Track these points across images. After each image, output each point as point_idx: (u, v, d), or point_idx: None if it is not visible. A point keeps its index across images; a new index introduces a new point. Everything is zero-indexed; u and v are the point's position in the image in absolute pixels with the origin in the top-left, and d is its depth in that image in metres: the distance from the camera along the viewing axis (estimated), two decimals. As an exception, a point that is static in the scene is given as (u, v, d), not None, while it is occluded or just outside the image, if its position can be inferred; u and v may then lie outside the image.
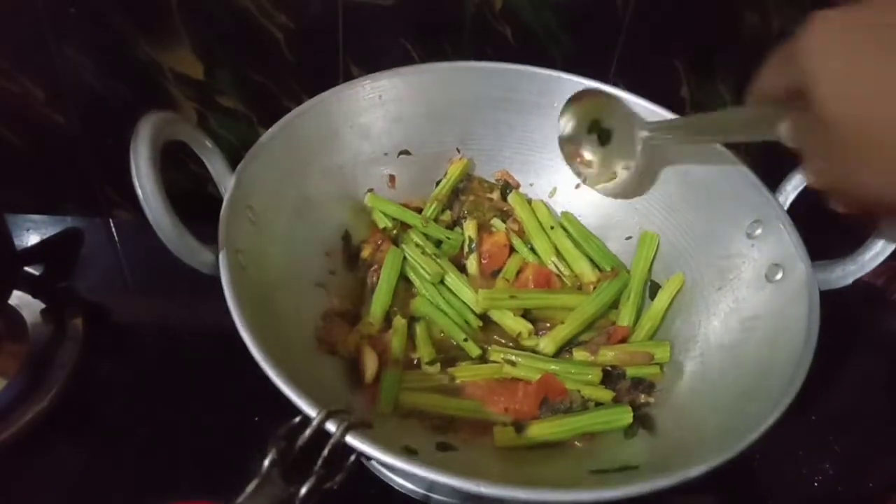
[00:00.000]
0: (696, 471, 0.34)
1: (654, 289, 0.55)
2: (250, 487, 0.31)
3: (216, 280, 0.40)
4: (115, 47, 0.60)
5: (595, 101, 0.55)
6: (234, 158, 0.47)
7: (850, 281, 0.46)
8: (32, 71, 0.61)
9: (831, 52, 0.30)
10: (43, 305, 0.58)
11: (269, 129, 0.49)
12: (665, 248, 0.56)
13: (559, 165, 0.60)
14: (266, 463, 0.32)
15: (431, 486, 0.49)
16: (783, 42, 0.34)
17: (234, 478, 0.49)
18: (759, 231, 0.49)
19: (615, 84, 0.64)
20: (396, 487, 0.50)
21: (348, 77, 0.63)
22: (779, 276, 0.46)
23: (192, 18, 0.58)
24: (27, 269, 0.62)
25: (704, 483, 0.51)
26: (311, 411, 0.33)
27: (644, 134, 0.52)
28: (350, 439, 0.32)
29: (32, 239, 0.67)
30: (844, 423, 0.58)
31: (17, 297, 0.58)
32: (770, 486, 0.54)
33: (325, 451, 0.32)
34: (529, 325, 0.52)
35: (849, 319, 0.68)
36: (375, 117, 0.56)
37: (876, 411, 0.61)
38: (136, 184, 0.38)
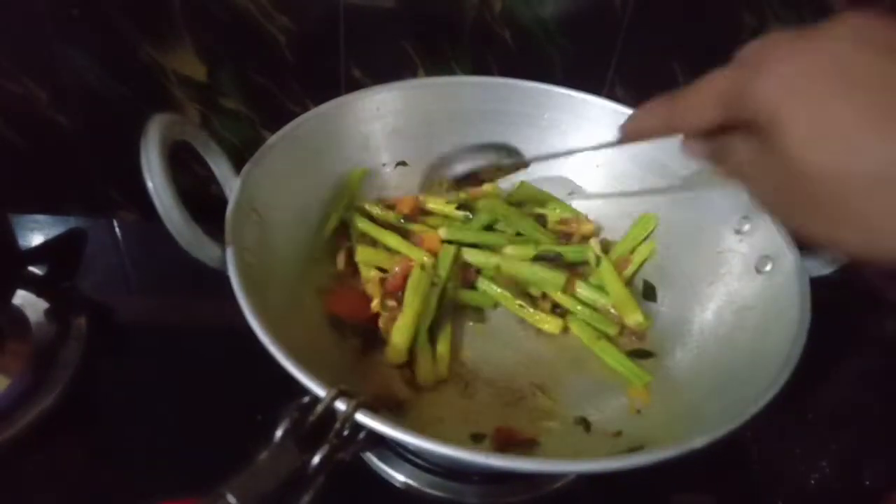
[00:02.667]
0: (700, 441, 0.34)
1: (648, 289, 0.56)
2: (264, 454, 0.32)
3: (219, 280, 0.40)
4: (118, 49, 0.60)
5: None
6: (236, 160, 0.47)
7: (837, 266, 0.47)
8: (36, 73, 0.61)
9: (798, 96, 0.27)
10: (47, 305, 0.58)
11: (272, 137, 0.50)
12: (657, 250, 0.57)
13: (552, 174, 0.62)
14: (279, 432, 0.32)
15: (433, 482, 0.50)
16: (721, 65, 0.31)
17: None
18: (746, 226, 0.51)
19: (613, 85, 0.65)
20: (397, 485, 0.50)
21: (349, 79, 0.63)
22: (768, 267, 0.48)
23: (195, 20, 0.59)
24: (31, 268, 0.62)
25: (702, 482, 0.53)
26: (320, 391, 0.34)
27: None
28: (360, 417, 0.33)
29: (36, 239, 0.67)
30: (841, 421, 0.59)
31: (21, 297, 0.58)
32: (767, 484, 0.54)
33: (338, 425, 0.33)
34: None
35: (845, 318, 0.68)
36: (374, 129, 0.58)
37: (872, 410, 0.61)
38: (147, 176, 0.38)
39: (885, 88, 0.25)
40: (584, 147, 0.48)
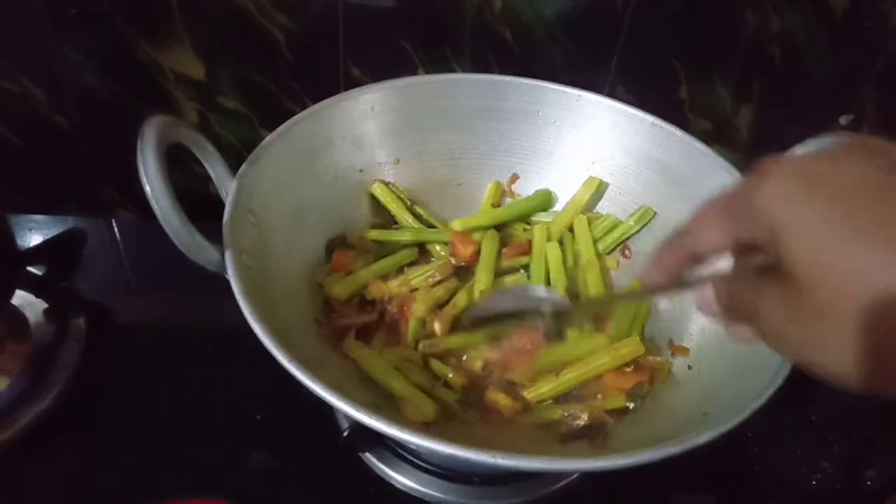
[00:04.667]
0: (703, 437, 0.34)
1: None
2: None
3: (217, 281, 0.40)
4: (116, 48, 0.60)
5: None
6: (235, 158, 0.47)
7: None
8: (34, 72, 0.61)
9: (801, 205, 0.25)
10: (45, 305, 0.58)
11: (267, 137, 0.50)
12: (656, 246, 0.56)
13: (547, 172, 0.61)
14: None
15: (434, 483, 0.50)
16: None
17: (234, 478, 0.50)
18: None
19: (614, 84, 0.65)
20: (397, 486, 0.50)
21: (348, 78, 0.63)
22: None
23: (193, 19, 0.59)
24: (29, 269, 0.62)
25: (703, 482, 0.53)
26: (322, 392, 0.34)
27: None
28: (367, 419, 0.33)
29: (35, 239, 0.67)
30: (843, 422, 0.59)
31: (20, 297, 0.58)
32: (769, 484, 0.54)
33: None
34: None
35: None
36: (369, 128, 0.57)
37: (874, 411, 0.61)
38: (144, 181, 0.38)
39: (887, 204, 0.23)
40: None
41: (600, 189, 0.60)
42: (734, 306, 0.31)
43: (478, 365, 0.51)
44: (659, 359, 0.51)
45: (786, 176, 0.26)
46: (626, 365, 0.50)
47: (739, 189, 0.28)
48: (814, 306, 0.25)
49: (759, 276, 0.28)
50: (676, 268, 0.33)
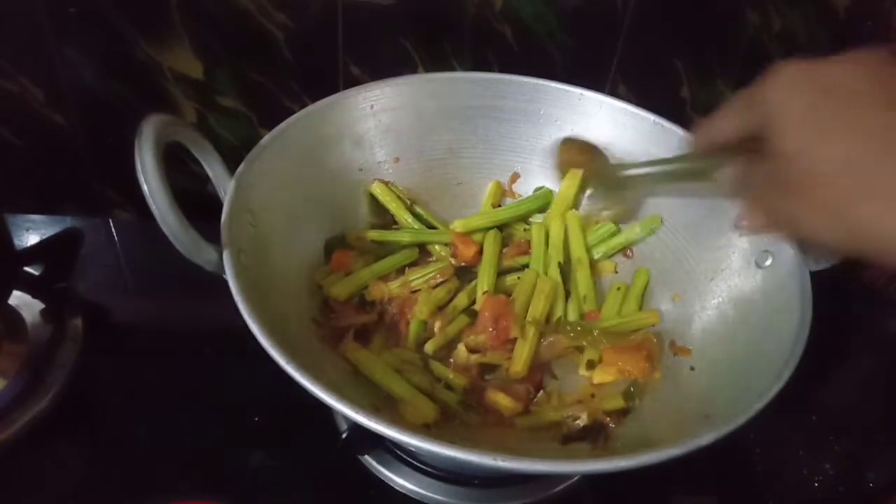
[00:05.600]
0: (706, 438, 0.34)
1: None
2: None
3: (216, 281, 0.40)
4: (115, 47, 0.60)
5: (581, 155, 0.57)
6: (234, 158, 0.47)
7: (837, 260, 0.47)
8: (32, 71, 0.61)
9: (795, 94, 0.32)
10: (42, 306, 0.58)
11: (266, 136, 0.50)
12: (657, 247, 0.57)
13: (548, 171, 0.61)
14: None
15: (433, 486, 0.50)
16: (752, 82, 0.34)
17: (233, 478, 0.49)
18: (745, 221, 0.50)
19: (615, 83, 0.64)
20: (396, 488, 0.50)
21: (348, 77, 0.63)
22: (768, 261, 0.48)
23: (192, 18, 0.58)
24: (27, 269, 0.62)
25: (705, 483, 0.52)
26: (320, 393, 0.34)
27: (626, 174, 0.53)
28: (366, 421, 0.33)
29: (32, 239, 0.67)
30: (844, 423, 0.59)
31: (17, 298, 0.58)
32: (770, 485, 0.54)
33: None
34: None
35: (848, 319, 0.68)
36: (368, 127, 0.57)
37: (876, 411, 0.61)
38: (142, 180, 0.38)
39: (866, 103, 0.30)
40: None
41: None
42: (745, 185, 0.38)
43: (463, 352, 0.51)
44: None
45: (790, 71, 0.32)
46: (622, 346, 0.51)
47: (756, 84, 0.34)
48: (792, 180, 0.32)
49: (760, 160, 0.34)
50: (702, 149, 0.41)
